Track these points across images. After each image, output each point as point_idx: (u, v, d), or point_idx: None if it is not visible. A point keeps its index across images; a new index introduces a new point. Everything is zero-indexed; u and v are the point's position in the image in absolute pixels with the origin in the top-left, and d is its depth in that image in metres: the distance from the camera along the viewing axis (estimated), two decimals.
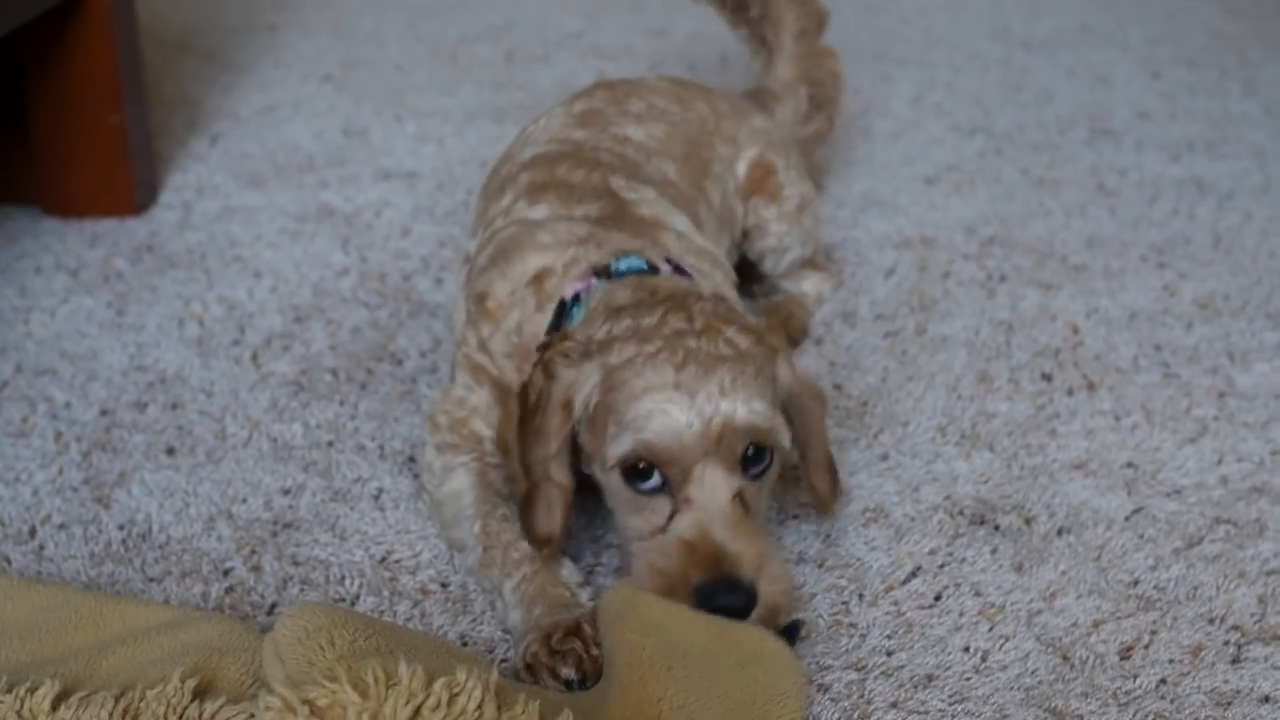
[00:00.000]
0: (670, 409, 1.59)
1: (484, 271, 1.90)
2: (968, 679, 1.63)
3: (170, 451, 2.02)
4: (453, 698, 1.24)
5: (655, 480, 1.62)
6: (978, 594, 1.76)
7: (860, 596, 1.76)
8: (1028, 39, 3.79)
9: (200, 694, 1.47)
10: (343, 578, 1.78)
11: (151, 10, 3.80)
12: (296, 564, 1.80)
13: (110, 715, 1.43)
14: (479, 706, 1.25)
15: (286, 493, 1.94)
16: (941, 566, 1.81)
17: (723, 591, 1.55)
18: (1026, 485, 1.97)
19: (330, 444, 2.04)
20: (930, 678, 1.63)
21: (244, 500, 1.92)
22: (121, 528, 1.87)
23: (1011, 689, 1.61)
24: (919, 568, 1.81)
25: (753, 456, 1.63)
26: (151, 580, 1.78)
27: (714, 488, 1.60)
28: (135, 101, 2.70)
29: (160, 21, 3.79)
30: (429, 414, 1.91)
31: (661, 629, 1.49)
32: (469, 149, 3.05)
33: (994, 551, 1.84)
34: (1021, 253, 2.61)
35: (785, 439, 1.66)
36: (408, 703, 1.22)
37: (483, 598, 1.76)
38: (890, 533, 1.87)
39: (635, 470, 1.62)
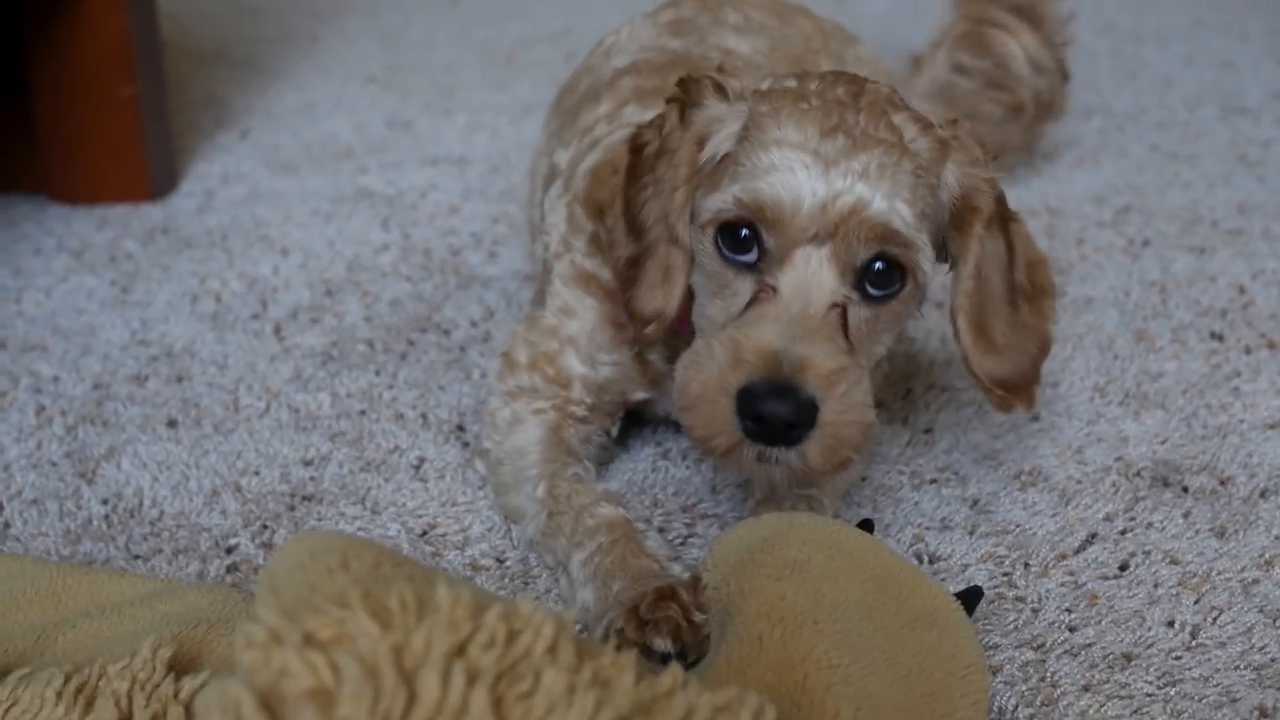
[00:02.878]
0: (797, 168, 1.24)
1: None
2: (1177, 658, 1.26)
3: (171, 424, 1.68)
4: (513, 635, 0.88)
5: (751, 255, 1.27)
6: (1174, 562, 1.39)
7: (1026, 566, 1.39)
8: (1137, 32, 3.44)
9: (179, 670, 1.12)
10: None
11: (182, 25, 3.52)
12: None
13: (58, 694, 1.08)
14: (550, 649, 0.88)
15: (308, 464, 1.60)
16: (1123, 532, 1.45)
17: (769, 397, 1.18)
18: (1214, 445, 1.60)
19: (363, 413, 1.70)
20: (1128, 657, 1.26)
21: (256, 472, 1.58)
22: (105, 502, 1.53)
23: (1236, 668, 1.24)
24: (1094, 534, 1.44)
25: (880, 273, 1.27)
26: (137, 558, 1.44)
27: (811, 282, 1.24)
28: (150, 73, 2.38)
29: (191, 35, 3.50)
30: (504, 350, 1.56)
31: (806, 572, 1.12)
32: (526, 137, 2.71)
33: (1186, 515, 1.47)
34: (1163, 219, 2.25)
35: (926, 261, 1.28)
36: (448, 633, 0.85)
37: (549, 574, 1.40)
38: (1054, 497, 1.51)
39: (732, 235, 1.27)
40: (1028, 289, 1.37)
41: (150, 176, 2.40)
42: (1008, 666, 1.25)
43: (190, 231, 2.26)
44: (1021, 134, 2.36)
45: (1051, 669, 1.24)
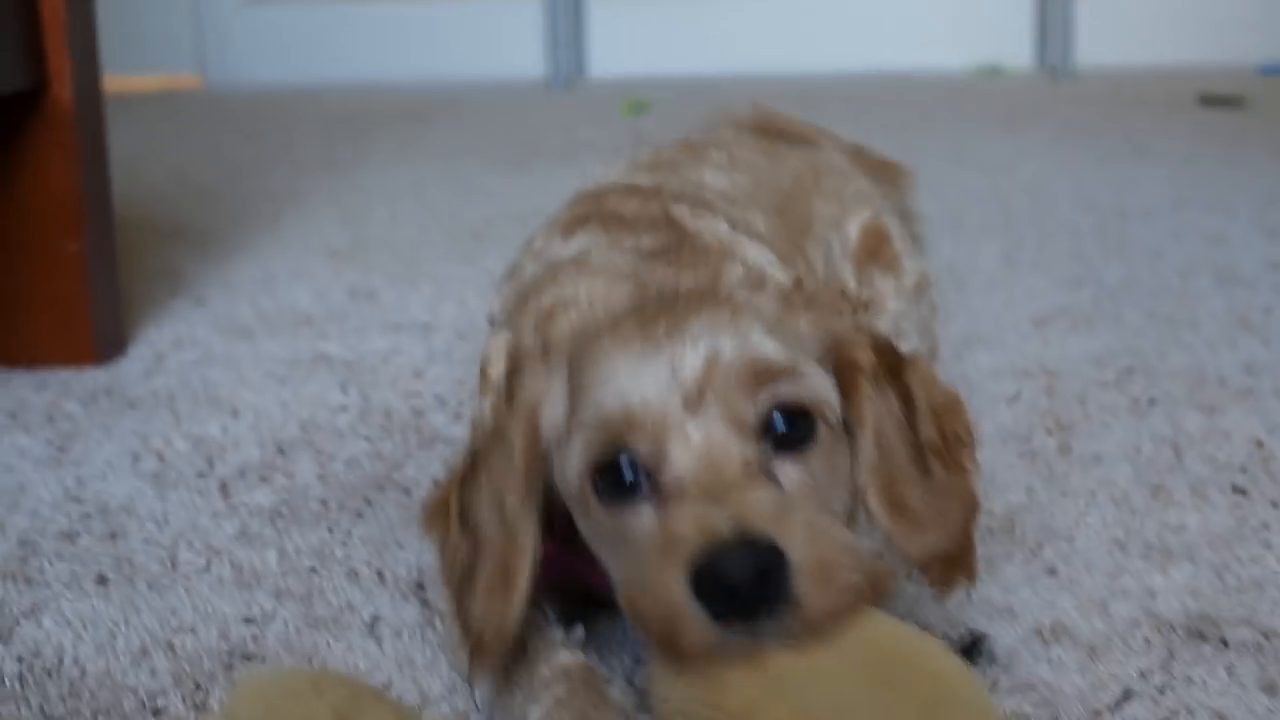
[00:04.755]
0: (622, 366, 1.11)
1: (495, 331, 1.44)
2: None
3: (101, 581, 1.53)
4: None
5: (630, 475, 1.09)
6: None
7: None
8: (1120, 209, 3.38)
9: None
10: None
11: (139, 206, 3.44)
12: None
13: None
14: None
15: (250, 621, 1.44)
16: (1161, 690, 1.29)
17: (722, 558, 0.97)
18: (1252, 598, 1.46)
19: (313, 570, 1.55)
20: None
21: (192, 630, 1.42)
22: (20, 660, 1.36)
23: None
24: (1130, 691, 1.29)
25: (784, 430, 1.10)
26: None
27: (707, 448, 1.06)
28: (99, 228, 2.27)
29: (149, 214, 3.41)
30: None
31: (786, 682, 0.97)
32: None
33: (1230, 670, 1.32)
34: (1168, 379, 2.14)
35: (827, 395, 1.14)
36: None
37: None
38: (1081, 653, 1.36)
39: (610, 477, 1.10)
40: (938, 443, 1.20)
41: (96, 338, 2.27)
42: None
43: (136, 393, 2.12)
44: None
45: None
